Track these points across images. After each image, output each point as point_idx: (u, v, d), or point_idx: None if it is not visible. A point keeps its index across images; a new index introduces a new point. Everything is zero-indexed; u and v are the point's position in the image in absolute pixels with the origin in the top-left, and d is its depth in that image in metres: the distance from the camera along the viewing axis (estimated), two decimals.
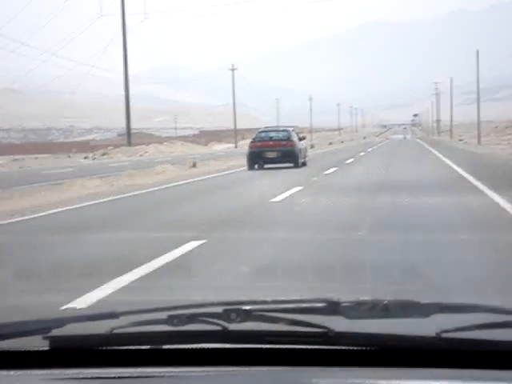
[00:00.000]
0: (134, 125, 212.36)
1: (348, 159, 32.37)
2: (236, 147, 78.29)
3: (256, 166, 25.95)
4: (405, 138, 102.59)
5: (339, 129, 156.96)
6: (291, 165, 25.72)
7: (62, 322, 1.80)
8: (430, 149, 44.77)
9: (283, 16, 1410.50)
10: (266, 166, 26.08)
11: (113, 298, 5.28)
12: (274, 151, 25.87)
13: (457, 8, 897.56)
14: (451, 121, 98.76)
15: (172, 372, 1.62)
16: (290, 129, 28.20)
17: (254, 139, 27.31)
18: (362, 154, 40.51)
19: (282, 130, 27.61)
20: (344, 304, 1.77)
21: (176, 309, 1.84)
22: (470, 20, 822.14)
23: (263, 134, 27.33)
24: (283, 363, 1.63)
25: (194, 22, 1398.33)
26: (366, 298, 1.88)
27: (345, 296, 1.92)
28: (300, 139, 27.62)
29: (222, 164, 31.46)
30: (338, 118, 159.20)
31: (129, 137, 60.06)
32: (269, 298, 1.92)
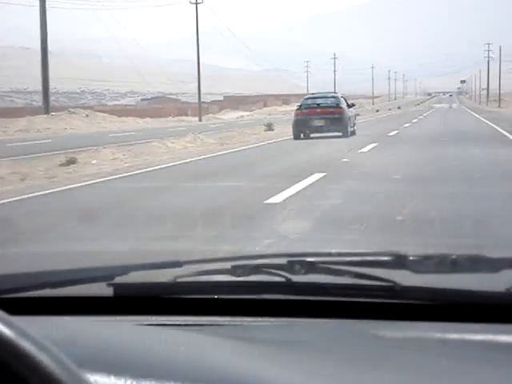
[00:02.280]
0: (170, 89, 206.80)
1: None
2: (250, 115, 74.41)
3: (302, 135, 24.68)
4: (450, 108, 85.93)
5: (373, 97, 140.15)
6: (339, 134, 24.26)
7: (126, 269, 1.81)
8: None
9: None
10: (312, 136, 24.67)
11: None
12: (321, 119, 24.64)
13: None
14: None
15: (235, 321, 1.64)
16: (339, 95, 26.66)
17: (299, 106, 26.10)
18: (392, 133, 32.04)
19: (331, 97, 26.10)
20: (411, 258, 1.72)
21: (240, 259, 1.84)
22: None
23: (310, 101, 26.02)
24: (348, 316, 1.64)
25: None
26: (434, 251, 1.83)
27: (412, 249, 1.87)
28: (349, 106, 26.04)
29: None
30: (372, 84, 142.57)
31: (46, 100, 43.64)
32: (333, 250, 1.89)
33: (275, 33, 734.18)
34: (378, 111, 73.11)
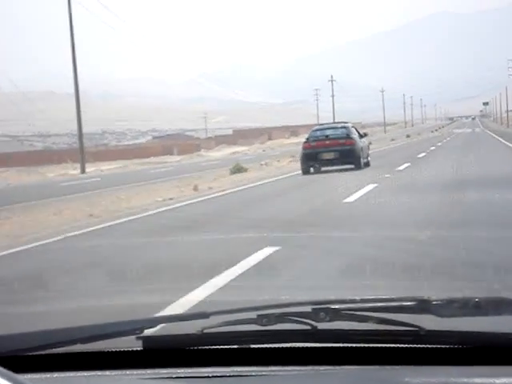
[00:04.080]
0: (192, 126, 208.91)
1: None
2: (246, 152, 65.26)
3: (312, 170, 23.24)
4: (473, 132, 76.63)
5: (385, 124, 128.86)
6: (352, 166, 22.88)
7: (154, 322, 1.84)
8: None
9: (346, 9, 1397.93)
10: (323, 169, 23.32)
11: None
12: (331, 151, 23.08)
13: None
14: None
15: (262, 371, 1.64)
16: (349, 125, 25.03)
17: (307, 139, 24.21)
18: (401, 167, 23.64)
19: (341, 127, 24.46)
20: (434, 302, 1.71)
21: (265, 308, 1.83)
22: None
23: (318, 133, 24.25)
24: (373, 363, 1.62)
25: (255, 20, 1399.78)
26: (457, 295, 1.82)
27: (435, 294, 1.88)
28: (361, 136, 24.61)
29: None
30: (383, 110, 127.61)
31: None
32: (357, 297, 1.88)
33: (294, 66, 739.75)
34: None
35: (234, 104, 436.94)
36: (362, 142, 24.02)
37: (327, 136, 23.65)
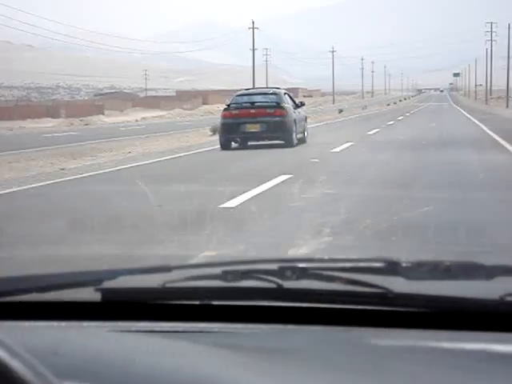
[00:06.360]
0: (152, 85, 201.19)
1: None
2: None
3: (233, 144, 19.49)
4: (441, 107, 66.49)
5: (333, 93, 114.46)
6: (281, 142, 19.03)
7: (114, 274, 1.80)
8: None
9: None
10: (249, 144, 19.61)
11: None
12: (256, 123, 19.27)
13: None
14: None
15: (224, 328, 1.62)
16: (282, 91, 20.79)
17: (228, 106, 20.07)
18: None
19: (271, 93, 20.23)
20: (404, 264, 1.71)
21: (230, 264, 1.81)
22: None
23: (243, 98, 20.18)
24: (339, 323, 1.62)
25: None
26: (427, 258, 1.81)
27: (405, 255, 1.87)
28: (297, 106, 20.59)
29: None
30: (332, 75, 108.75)
31: None
32: (326, 256, 1.88)
33: (268, 27, 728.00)
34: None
35: (200, 64, 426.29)
36: (296, 114, 19.94)
37: (253, 103, 19.65)
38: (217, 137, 20.90)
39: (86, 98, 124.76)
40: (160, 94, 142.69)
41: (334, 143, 18.87)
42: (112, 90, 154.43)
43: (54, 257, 5.43)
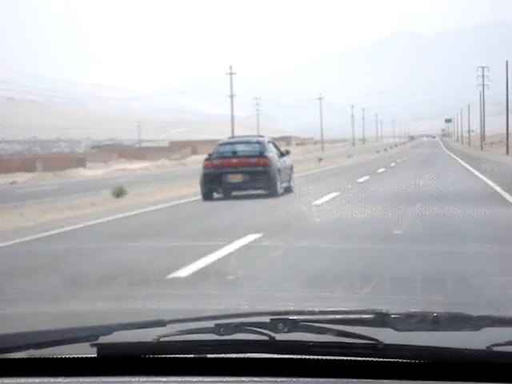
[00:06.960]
0: (150, 136, 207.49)
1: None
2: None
3: (214, 195, 18.97)
4: (434, 153, 66.61)
5: (322, 142, 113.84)
6: (265, 192, 18.72)
7: (109, 329, 1.80)
8: None
9: (309, 28, 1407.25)
10: (233, 194, 19.32)
11: None
12: (238, 173, 18.71)
13: (488, 20, 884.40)
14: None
15: (218, 382, 1.61)
16: (265, 139, 20.54)
17: (210, 155, 19.61)
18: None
19: (255, 142, 19.92)
20: (393, 315, 1.74)
21: (223, 318, 1.83)
22: (503, 31, 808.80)
23: (226, 147, 19.89)
24: (330, 375, 1.61)
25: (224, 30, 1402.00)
26: (416, 309, 1.82)
27: (394, 307, 1.87)
28: (282, 154, 20.38)
29: None
30: (321, 123, 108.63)
31: None
32: (316, 309, 1.89)
33: (264, 80, 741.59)
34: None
35: (198, 116, 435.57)
36: (280, 162, 19.57)
37: (235, 153, 19.34)
38: (186, 192, 21.03)
39: (81, 151, 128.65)
40: (156, 144, 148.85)
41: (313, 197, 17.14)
42: (111, 142, 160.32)
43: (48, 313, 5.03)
